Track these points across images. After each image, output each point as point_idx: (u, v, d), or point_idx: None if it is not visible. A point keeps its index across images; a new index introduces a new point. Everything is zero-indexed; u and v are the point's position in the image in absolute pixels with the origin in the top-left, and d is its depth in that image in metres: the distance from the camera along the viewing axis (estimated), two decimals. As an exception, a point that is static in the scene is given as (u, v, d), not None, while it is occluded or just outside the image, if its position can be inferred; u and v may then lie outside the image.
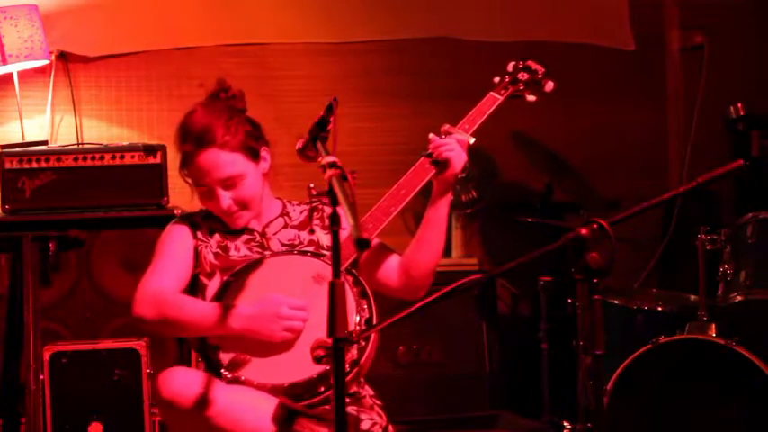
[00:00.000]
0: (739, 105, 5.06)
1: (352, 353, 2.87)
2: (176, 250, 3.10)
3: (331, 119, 2.69)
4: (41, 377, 3.99)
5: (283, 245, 3.13)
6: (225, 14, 4.91)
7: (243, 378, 2.88)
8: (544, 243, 2.49)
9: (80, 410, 4.02)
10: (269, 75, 4.95)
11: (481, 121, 3.11)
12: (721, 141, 5.13)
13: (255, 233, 3.15)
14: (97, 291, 4.23)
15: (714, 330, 3.93)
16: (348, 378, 2.84)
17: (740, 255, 4.01)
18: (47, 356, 4.00)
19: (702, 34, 5.30)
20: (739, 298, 3.97)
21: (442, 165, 2.98)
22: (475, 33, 5.12)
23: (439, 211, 3.02)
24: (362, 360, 2.90)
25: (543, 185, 5.09)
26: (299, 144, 2.78)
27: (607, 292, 4.24)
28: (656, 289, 4.79)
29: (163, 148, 4.21)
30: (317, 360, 2.73)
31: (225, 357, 2.92)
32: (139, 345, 4.04)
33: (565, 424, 4.43)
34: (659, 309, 4.27)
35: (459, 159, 2.98)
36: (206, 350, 2.95)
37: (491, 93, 3.19)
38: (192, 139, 3.07)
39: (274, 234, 3.15)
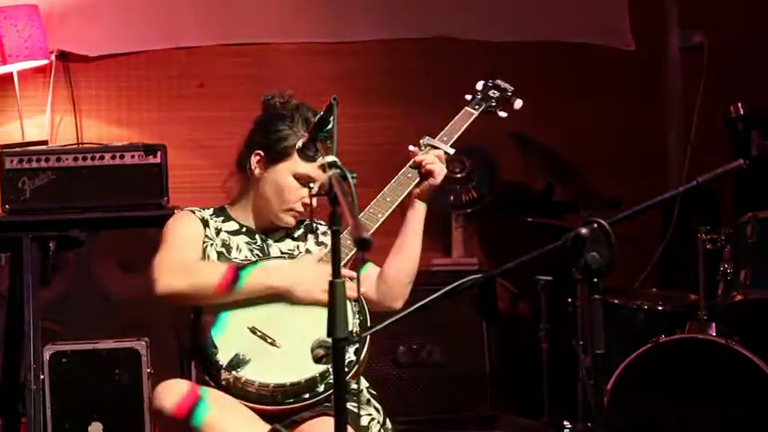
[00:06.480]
0: (739, 105, 5.05)
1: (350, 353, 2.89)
2: (187, 234, 3.12)
3: (331, 118, 2.69)
4: (41, 377, 3.99)
5: (282, 253, 3.17)
6: (225, 14, 4.91)
7: (243, 378, 2.88)
8: (544, 243, 2.49)
9: (80, 410, 4.02)
10: (269, 75, 4.94)
11: (458, 134, 3.25)
12: (721, 141, 5.13)
13: (257, 236, 3.18)
14: (97, 291, 4.23)
15: (714, 330, 3.94)
16: (348, 378, 2.86)
17: (740, 254, 4.01)
18: (47, 356, 4.00)
19: (702, 34, 5.30)
20: (739, 297, 3.97)
21: (424, 176, 3.15)
22: (472, 33, 5.11)
23: (417, 218, 3.16)
24: (360, 358, 2.92)
25: (543, 185, 5.09)
26: (300, 144, 2.78)
27: (607, 292, 4.23)
28: (656, 289, 4.80)
29: (163, 148, 4.20)
30: (317, 360, 2.74)
31: (223, 358, 2.92)
32: (139, 345, 4.04)
33: (565, 424, 4.43)
34: (659, 309, 4.27)
35: (440, 173, 3.14)
36: (204, 351, 2.94)
37: (466, 108, 3.33)
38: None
39: (276, 242, 3.19)
